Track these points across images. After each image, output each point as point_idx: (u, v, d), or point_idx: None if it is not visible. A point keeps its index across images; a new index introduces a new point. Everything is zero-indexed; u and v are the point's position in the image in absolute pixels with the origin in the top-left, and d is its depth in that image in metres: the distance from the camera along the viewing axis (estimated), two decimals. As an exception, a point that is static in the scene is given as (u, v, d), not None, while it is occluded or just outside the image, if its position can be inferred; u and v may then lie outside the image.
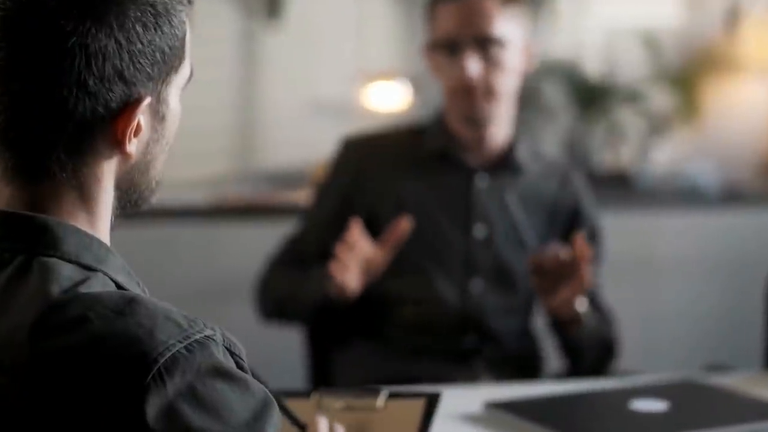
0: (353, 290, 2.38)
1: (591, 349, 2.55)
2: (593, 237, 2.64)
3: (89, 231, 1.34)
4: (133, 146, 1.33)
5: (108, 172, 1.35)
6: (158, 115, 1.35)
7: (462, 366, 2.54)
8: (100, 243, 1.35)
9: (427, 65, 2.58)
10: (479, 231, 2.56)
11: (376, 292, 2.52)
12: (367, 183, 2.57)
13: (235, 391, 1.25)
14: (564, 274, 2.34)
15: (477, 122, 2.52)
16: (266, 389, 1.29)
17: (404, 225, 2.39)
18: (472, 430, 1.96)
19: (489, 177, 2.58)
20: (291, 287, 2.54)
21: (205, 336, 1.26)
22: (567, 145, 4.89)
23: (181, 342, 1.23)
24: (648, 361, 3.71)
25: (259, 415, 1.26)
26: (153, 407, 1.20)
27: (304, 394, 1.71)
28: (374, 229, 2.48)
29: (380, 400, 1.66)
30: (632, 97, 4.93)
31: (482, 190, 2.57)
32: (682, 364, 3.33)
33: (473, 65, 2.46)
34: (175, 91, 1.37)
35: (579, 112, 4.91)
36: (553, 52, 4.85)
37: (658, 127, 4.91)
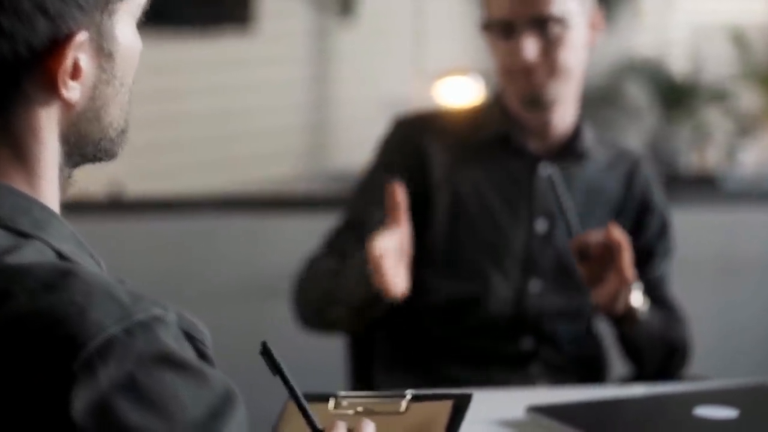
0: (403, 290, 2.09)
1: (653, 351, 2.27)
2: (663, 230, 2.37)
3: (29, 193, 1.11)
4: (74, 91, 1.10)
5: (47, 122, 1.11)
6: (103, 52, 1.11)
7: (517, 371, 2.27)
8: (43, 207, 1.11)
9: (485, 43, 2.32)
10: (541, 226, 2.29)
11: (424, 290, 2.26)
12: (420, 167, 2.31)
13: (188, 383, 1.00)
14: (611, 263, 2.08)
15: (540, 104, 2.25)
16: (229, 383, 1.04)
17: (396, 190, 2.01)
18: (509, 438, 1.70)
19: (549, 166, 2.31)
20: (329, 282, 2.25)
21: (153, 316, 1.01)
22: (651, 146, 4.64)
23: (119, 323, 0.99)
24: (727, 366, 3.42)
25: (217, 414, 1.00)
26: (81, 400, 0.95)
27: (323, 398, 1.46)
28: (425, 222, 2.23)
29: (403, 403, 1.40)
30: (719, 96, 4.68)
31: (545, 181, 2.30)
32: (764, 370, 3.04)
33: (530, 47, 2.19)
34: (125, 22, 1.13)
35: (664, 112, 4.67)
36: (637, 50, 4.60)
37: (746, 127, 4.66)
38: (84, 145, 1.15)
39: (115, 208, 3.52)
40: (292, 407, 1.45)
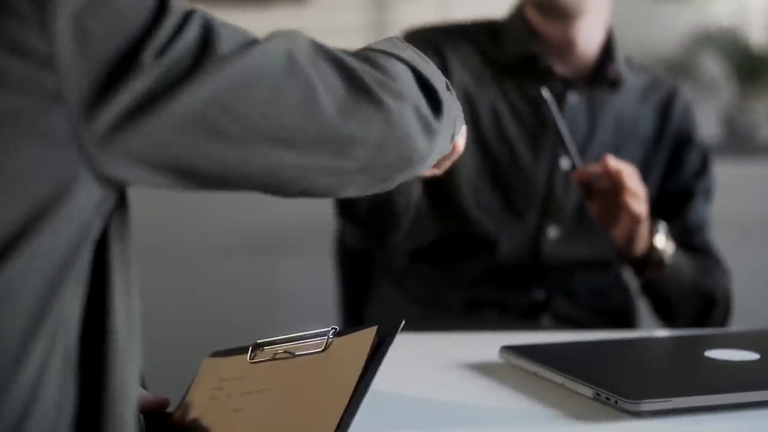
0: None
1: (684, 302, 1.93)
2: (703, 167, 2.05)
3: None
4: None
5: None
6: None
7: (527, 322, 1.94)
8: None
9: None
10: (567, 162, 1.95)
11: (432, 231, 1.95)
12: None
13: None
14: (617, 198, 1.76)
15: (558, 9, 1.92)
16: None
17: None
18: (473, 380, 1.35)
19: (578, 93, 1.98)
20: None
21: None
22: (727, 121, 4.25)
23: None
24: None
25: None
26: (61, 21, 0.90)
27: (244, 350, 1.28)
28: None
29: (323, 340, 1.20)
30: (801, 68, 4.26)
31: (573, 109, 1.96)
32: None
33: None
34: None
35: (741, 85, 4.29)
36: (713, 19, 4.21)
37: (828, 100, 4.23)
38: None
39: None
40: (208, 364, 1.29)
